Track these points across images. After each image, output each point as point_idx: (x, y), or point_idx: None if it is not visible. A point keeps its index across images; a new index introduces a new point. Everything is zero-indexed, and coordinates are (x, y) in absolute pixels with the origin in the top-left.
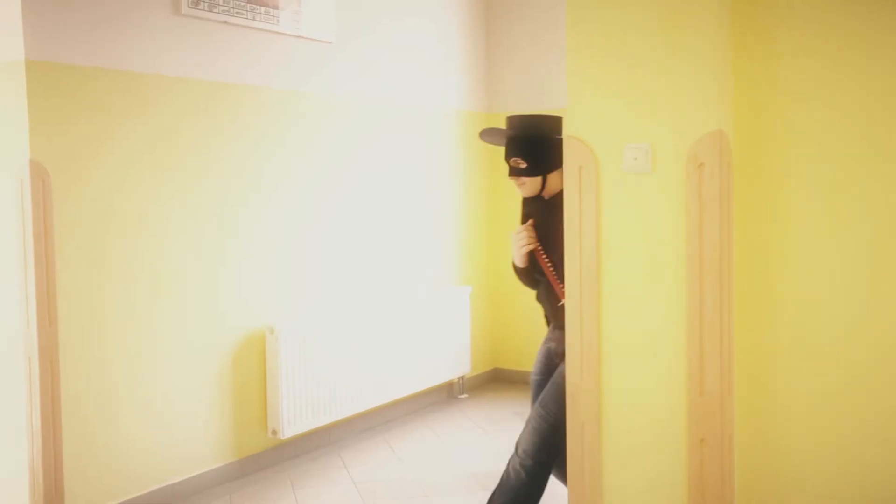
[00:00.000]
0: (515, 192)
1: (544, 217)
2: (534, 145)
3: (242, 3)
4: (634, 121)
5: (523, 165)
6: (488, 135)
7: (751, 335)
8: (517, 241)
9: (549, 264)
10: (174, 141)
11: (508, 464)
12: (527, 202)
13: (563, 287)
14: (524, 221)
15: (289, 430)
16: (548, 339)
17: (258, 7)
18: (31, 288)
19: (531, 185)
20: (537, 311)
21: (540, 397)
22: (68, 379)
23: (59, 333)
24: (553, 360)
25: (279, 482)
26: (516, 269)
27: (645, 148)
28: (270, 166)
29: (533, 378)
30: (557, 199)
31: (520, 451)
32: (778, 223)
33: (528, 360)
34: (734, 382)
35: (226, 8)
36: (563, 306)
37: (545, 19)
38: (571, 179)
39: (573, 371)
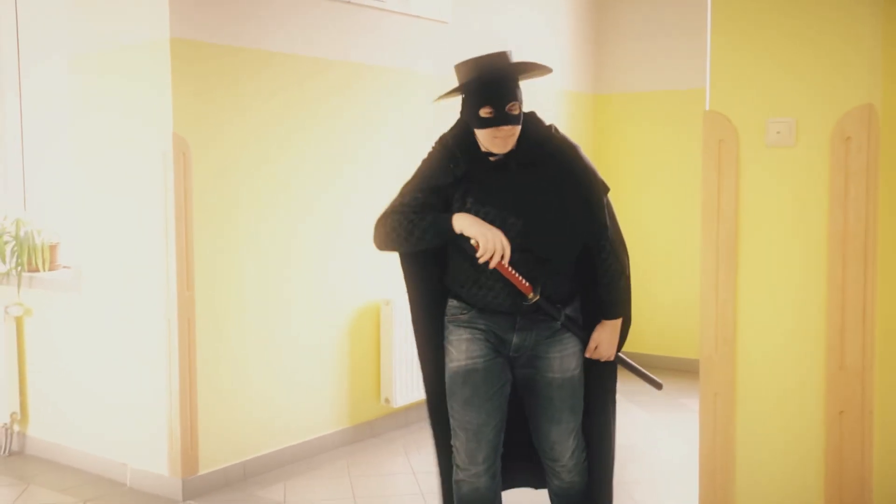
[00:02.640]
0: (619, 165)
1: (515, 181)
2: (517, 86)
3: None
4: (777, 95)
5: (517, 112)
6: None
7: (892, 309)
8: (489, 249)
9: (510, 270)
10: (301, 117)
11: (554, 479)
12: (481, 166)
13: (526, 284)
14: (468, 191)
15: (401, 399)
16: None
17: None
18: (172, 254)
19: (516, 135)
20: (659, 292)
21: (544, 414)
22: (203, 342)
23: (195, 298)
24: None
25: (392, 449)
26: (436, 224)
27: (789, 122)
28: (388, 142)
29: (474, 362)
30: (532, 151)
31: (570, 458)
32: None
33: (650, 343)
34: (875, 356)
35: None
36: (534, 303)
37: None
38: (711, 153)
39: (707, 342)
